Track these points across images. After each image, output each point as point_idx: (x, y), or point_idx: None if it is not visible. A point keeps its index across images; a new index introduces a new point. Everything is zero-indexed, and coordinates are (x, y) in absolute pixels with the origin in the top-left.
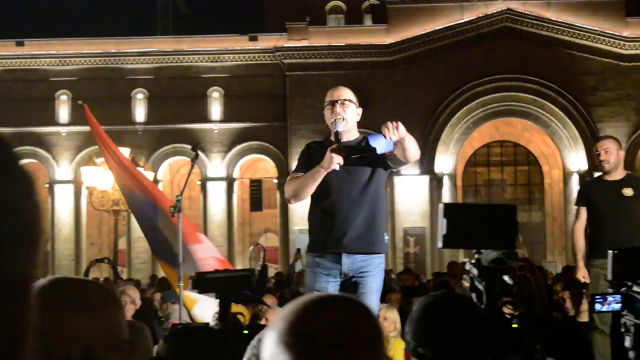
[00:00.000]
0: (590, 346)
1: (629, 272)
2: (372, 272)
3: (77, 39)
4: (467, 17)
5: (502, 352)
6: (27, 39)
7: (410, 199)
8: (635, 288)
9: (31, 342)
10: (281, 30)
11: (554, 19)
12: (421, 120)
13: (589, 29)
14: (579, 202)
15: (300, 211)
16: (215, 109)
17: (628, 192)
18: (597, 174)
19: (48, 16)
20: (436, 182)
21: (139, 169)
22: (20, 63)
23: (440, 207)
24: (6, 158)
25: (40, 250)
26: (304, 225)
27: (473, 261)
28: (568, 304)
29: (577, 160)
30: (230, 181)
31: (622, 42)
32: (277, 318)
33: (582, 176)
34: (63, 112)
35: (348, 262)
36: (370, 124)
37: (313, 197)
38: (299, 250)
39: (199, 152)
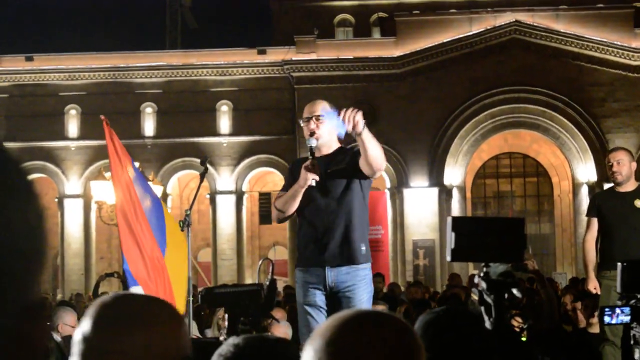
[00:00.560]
0: (600, 358)
1: (639, 285)
2: (359, 285)
3: (86, 53)
4: (476, 29)
5: None
6: (37, 54)
7: (420, 211)
8: None
9: (89, 357)
10: (290, 43)
11: (562, 30)
12: (430, 132)
13: (598, 40)
14: (590, 213)
15: None
16: (224, 122)
17: (639, 203)
18: (608, 185)
19: (57, 31)
20: (445, 194)
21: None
22: (30, 78)
23: (449, 220)
24: (20, 177)
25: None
26: None
27: (482, 274)
28: (580, 315)
29: (586, 171)
30: (239, 194)
31: (630, 54)
32: (313, 334)
33: (592, 187)
34: (72, 126)
35: (332, 274)
36: (379, 137)
37: (298, 213)
38: None
39: (208, 166)
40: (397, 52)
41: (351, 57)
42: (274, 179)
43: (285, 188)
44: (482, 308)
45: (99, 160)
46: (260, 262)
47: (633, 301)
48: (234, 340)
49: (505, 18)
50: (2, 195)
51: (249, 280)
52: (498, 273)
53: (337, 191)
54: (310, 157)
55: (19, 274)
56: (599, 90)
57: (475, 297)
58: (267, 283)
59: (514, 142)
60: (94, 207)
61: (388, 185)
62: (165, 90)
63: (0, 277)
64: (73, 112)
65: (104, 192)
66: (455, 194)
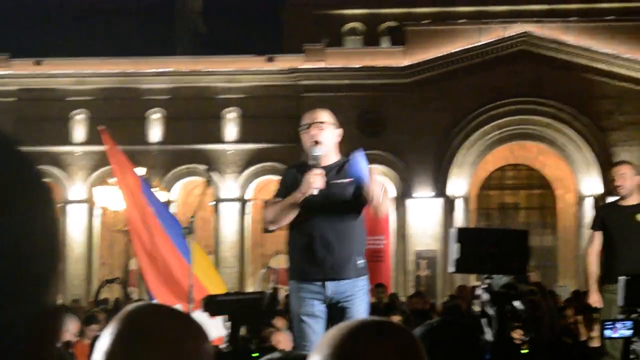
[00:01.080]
0: None
1: None
2: (357, 295)
3: (94, 58)
4: (485, 39)
5: None
6: (45, 58)
7: (423, 221)
8: None
9: None
10: (298, 51)
11: (571, 42)
12: (436, 142)
13: (607, 52)
14: (595, 226)
15: None
16: (231, 129)
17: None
18: (612, 199)
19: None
20: (449, 204)
21: (152, 189)
22: (38, 82)
23: (452, 231)
24: (38, 182)
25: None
26: None
27: (484, 286)
28: (581, 329)
29: (591, 184)
30: (243, 202)
31: (639, 67)
32: (320, 343)
33: (597, 200)
34: (78, 131)
35: (332, 285)
36: (386, 146)
37: (291, 222)
38: None
39: (211, 175)
40: (405, 62)
41: (360, 66)
42: None
43: (279, 194)
44: (484, 319)
45: (104, 166)
46: (262, 270)
47: (635, 315)
48: (270, 356)
49: (515, 29)
50: (21, 198)
51: (250, 288)
52: (501, 285)
53: (337, 203)
54: (315, 165)
55: (37, 277)
56: (607, 103)
57: (477, 308)
58: (269, 291)
59: (519, 153)
60: (97, 212)
61: (392, 194)
62: (173, 96)
63: (19, 279)
64: (80, 117)
65: (108, 198)
66: (459, 204)
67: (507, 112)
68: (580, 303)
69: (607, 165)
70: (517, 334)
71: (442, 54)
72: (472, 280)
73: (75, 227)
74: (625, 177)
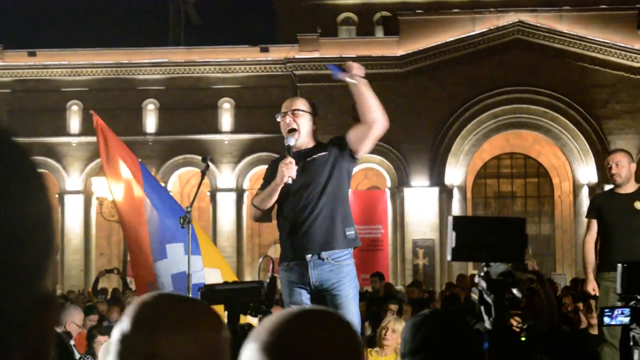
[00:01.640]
0: (599, 359)
1: (639, 286)
2: (343, 281)
3: (89, 49)
4: (479, 29)
5: None
6: (39, 49)
7: (420, 210)
8: None
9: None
10: (292, 41)
11: (565, 31)
12: (432, 132)
13: (601, 41)
14: (590, 214)
15: None
16: (226, 119)
17: (639, 205)
18: (608, 187)
19: (60, 27)
20: (446, 194)
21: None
22: (32, 73)
23: (450, 219)
24: (32, 170)
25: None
26: None
27: (482, 274)
28: (581, 316)
29: (587, 172)
30: (240, 192)
31: (633, 55)
32: (259, 328)
33: (592, 189)
34: (74, 122)
35: (316, 273)
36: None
37: (277, 209)
38: None
39: (209, 163)
40: (399, 52)
41: (354, 55)
42: None
43: (264, 187)
44: (482, 308)
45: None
46: (260, 259)
47: (633, 302)
48: None
49: (509, 18)
50: (15, 187)
51: (248, 278)
52: (498, 273)
53: (319, 180)
54: (287, 155)
55: (31, 266)
56: (602, 92)
57: (475, 296)
58: (267, 281)
59: (515, 142)
60: (94, 203)
61: (389, 184)
62: (167, 87)
63: (13, 268)
64: (75, 107)
65: (105, 188)
66: (456, 193)
67: (502, 101)
68: (578, 291)
69: (602, 154)
70: (515, 322)
71: (436, 44)
72: (470, 269)
73: (73, 218)
74: (620, 165)
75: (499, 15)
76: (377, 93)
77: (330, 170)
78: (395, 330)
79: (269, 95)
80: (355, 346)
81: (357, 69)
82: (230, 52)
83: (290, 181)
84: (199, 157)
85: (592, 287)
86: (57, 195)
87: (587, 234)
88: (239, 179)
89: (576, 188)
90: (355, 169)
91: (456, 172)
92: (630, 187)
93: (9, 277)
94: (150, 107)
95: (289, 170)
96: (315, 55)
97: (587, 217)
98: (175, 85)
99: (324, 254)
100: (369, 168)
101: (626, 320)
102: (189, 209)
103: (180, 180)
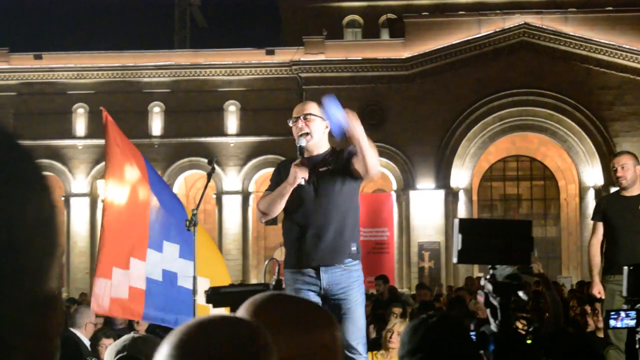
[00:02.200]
0: None
1: None
2: (352, 286)
3: (95, 52)
4: (485, 31)
5: None
6: (45, 52)
7: (426, 213)
8: None
9: None
10: (298, 44)
11: (571, 33)
12: (437, 134)
13: (606, 43)
14: (596, 217)
15: None
16: (232, 122)
17: None
18: (614, 189)
19: (66, 30)
20: (452, 196)
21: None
22: (38, 76)
23: (456, 222)
24: (36, 172)
25: (58, 263)
26: None
27: (488, 277)
28: (589, 319)
29: (593, 175)
30: (245, 195)
31: (639, 57)
32: (173, 332)
33: (598, 191)
34: (80, 125)
35: (326, 277)
36: (387, 138)
37: (285, 213)
38: None
39: (215, 166)
40: (405, 54)
41: (360, 58)
42: None
43: (271, 188)
44: (488, 310)
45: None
46: (266, 262)
47: (639, 305)
48: None
49: (514, 20)
50: (17, 188)
51: (254, 280)
52: (505, 275)
53: (327, 191)
54: (300, 156)
55: (33, 268)
56: (607, 94)
57: (481, 299)
58: (273, 283)
59: (521, 144)
60: (100, 205)
61: (394, 187)
62: (173, 90)
63: (14, 270)
64: (81, 110)
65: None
66: (462, 196)
67: (508, 104)
68: (584, 294)
69: (608, 156)
70: (521, 324)
71: (442, 46)
72: (476, 271)
73: (78, 221)
74: (626, 167)
75: (505, 17)
76: (382, 95)
77: (342, 182)
78: (400, 333)
79: (275, 97)
80: (256, 352)
81: (354, 117)
82: (235, 54)
83: (302, 182)
84: (205, 160)
85: (598, 290)
86: (62, 198)
87: (592, 237)
88: (244, 181)
89: (582, 190)
90: None
91: (462, 175)
92: (635, 190)
93: (9, 278)
94: (156, 109)
95: (301, 171)
96: (321, 57)
97: (592, 219)
98: (181, 88)
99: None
100: None
101: (632, 323)
102: (195, 212)
103: (186, 183)
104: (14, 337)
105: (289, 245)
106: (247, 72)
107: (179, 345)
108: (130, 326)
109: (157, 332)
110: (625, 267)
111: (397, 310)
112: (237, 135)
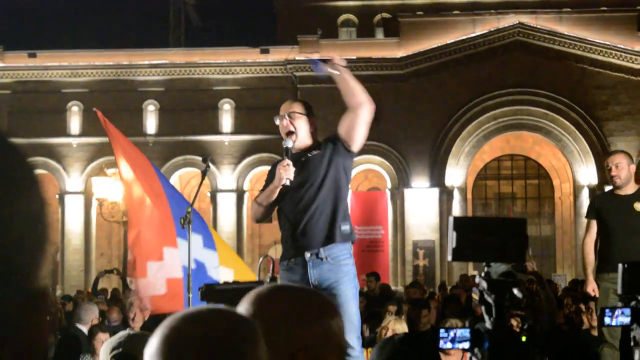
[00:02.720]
0: None
1: (639, 286)
2: (342, 280)
3: (89, 50)
4: (479, 30)
5: None
6: (39, 51)
7: (420, 211)
8: None
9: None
10: (293, 43)
11: (565, 33)
12: (432, 133)
13: (601, 43)
14: (589, 215)
15: None
16: (226, 121)
17: (639, 206)
18: (608, 188)
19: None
20: (446, 195)
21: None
22: (32, 74)
23: (450, 220)
24: (26, 170)
25: (49, 259)
26: None
27: (482, 274)
28: (584, 317)
29: (587, 174)
30: (240, 193)
31: (634, 57)
32: (161, 323)
33: (593, 190)
34: (74, 123)
35: (314, 273)
36: (382, 137)
37: (278, 210)
38: None
39: (209, 164)
40: (400, 53)
41: (354, 57)
42: None
43: (263, 189)
44: (483, 308)
45: (100, 157)
46: (260, 260)
47: (633, 302)
48: None
49: (509, 20)
50: (6, 185)
51: None
52: (499, 273)
53: (316, 177)
54: (285, 157)
55: (23, 264)
56: (602, 93)
57: (475, 297)
58: (268, 281)
59: (515, 143)
60: (94, 203)
61: (389, 185)
62: (168, 88)
63: (4, 266)
64: (75, 109)
65: (105, 188)
66: (456, 195)
67: (502, 103)
68: (578, 292)
69: (602, 155)
70: (516, 322)
71: (436, 45)
72: (470, 269)
73: (73, 219)
74: (620, 166)
75: (499, 17)
76: (377, 94)
77: (326, 167)
78: (395, 330)
79: (270, 96)
80: (243, 337)
81: (338, 60)
82: (230, 53)
83: (288, 183)
84: (199, 158)
85: (591, 288)
86: (57, 196)
87: (586, 235)
88: (239, 179)
89: (576, 189)
90: (356, 170)
91: (456, 174)
92: (629, 189)
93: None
94: (151, 108)
95: (286, 172)
96: (316, 56)
97: (586, 218)
98: (176, 87)
99: (322, 253)
100: (369, 169)
101: (626, 320)
102: (189, 210)
103: (181, 181)
104: (4, 330)
105: (282, 240)
106: (242, 70)
107: (166, 336)
108: (125, 323)
109: (152, 328)
110: (620, 265)
111: (392, 308)
112: (232, 133)
